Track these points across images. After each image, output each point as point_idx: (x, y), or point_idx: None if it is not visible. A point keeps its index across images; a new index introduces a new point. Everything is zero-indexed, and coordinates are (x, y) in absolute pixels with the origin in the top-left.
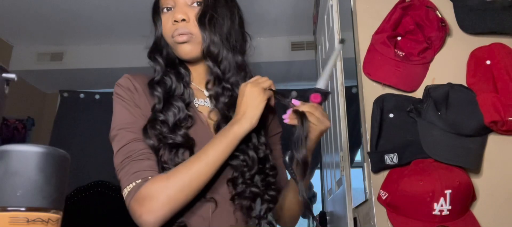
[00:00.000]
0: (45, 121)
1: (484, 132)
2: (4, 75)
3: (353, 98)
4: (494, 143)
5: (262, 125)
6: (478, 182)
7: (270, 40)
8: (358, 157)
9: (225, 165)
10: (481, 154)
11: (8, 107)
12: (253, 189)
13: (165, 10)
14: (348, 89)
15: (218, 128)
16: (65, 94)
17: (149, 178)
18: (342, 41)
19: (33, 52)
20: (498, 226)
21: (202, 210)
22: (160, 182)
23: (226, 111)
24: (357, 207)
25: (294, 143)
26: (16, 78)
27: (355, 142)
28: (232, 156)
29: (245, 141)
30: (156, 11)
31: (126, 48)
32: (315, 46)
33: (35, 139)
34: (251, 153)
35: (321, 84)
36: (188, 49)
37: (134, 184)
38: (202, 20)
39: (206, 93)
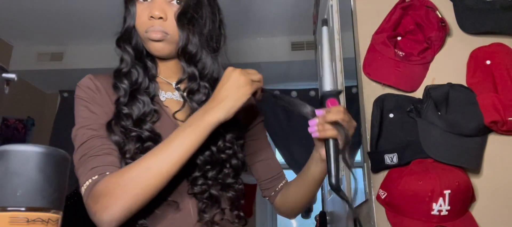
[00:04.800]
0: (45, 121)
1: (484, 132)
2: (4, 75)
3: (353, 98)
4: (494, 143)
5: (233, 121)
6: (477, 182)
7: (270, 40)
8: (358, 157)
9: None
10: (481, 154)
11: (8, 107)
12: (213, 191)
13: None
14: (348, 89)
15: None
16: (65, 94)
17: (107, 173)
18: (324, 22)
19: (33, 52)
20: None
21: (164, 211)
22: (116, 177)
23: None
24: (357, 207)
25: (336, 154)
26: (16, 78)
27: (355, 142)
28: (197, 150)
29: (212, 135)
30: None
31: None
32: (315, 46)
33: (35, 139)
34: (216, 149)
35: (327, 85)
36: (160, 47)
37: (90, 180)
38: (181, 19)
39: (174, 85)
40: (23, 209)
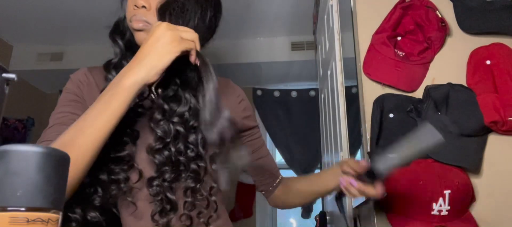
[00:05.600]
0: (45, 121)
1: (484, 132)
2: (4, 75)
3: (353, 98)
4: (494, 143)
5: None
6: (477, 182)
7: (270, 40)
8: (358, 157)
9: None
10: (481, 154)
11: (8, 107)
12: (170, 195)
13: None
14: (348, 89)
15: (150, 119)
16: None
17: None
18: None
19: (33, 52)
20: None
21: (122, 212)
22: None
23: (166, 104)
24: (357, 207)
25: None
26: (16, 78)
27: (355, 142)
28: (157, 149)
29: (174, 136)
30: None
31: None
32: (315, 46)
33: (35, 139)
34: (175, 150)
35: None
36: (142, 37)
37: None
38: (162, 10)
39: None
40: (23, 209)
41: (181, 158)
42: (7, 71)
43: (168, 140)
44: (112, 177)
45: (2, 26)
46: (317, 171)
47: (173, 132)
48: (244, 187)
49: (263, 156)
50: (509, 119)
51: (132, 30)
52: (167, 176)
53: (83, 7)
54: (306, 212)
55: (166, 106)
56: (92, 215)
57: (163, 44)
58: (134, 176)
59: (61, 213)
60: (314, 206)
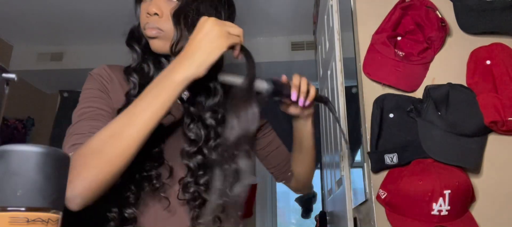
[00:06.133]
0: (45, 121)
1: (484, 132)
2: (4, 75)
3: (353, 98)
4: (494, 143)
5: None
6: (477, 182)
7: (270, 40)
8: (358, 157)
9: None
10: (481, 154)
11: (8, 108)
12: (206, 197)
13: None
14: (348, 89)
15: (187, 125)
16: (65, 94)
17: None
18: None
19: (33, 52)
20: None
21: (154, 207)
22: (81, 148)
23: (200, 109)
24: (357, 207)
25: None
26: (16, 78)
27: (355, 142)
28: (189, 153)
29: (207, 137)
30: None
31: (126, 48)
32: (315, 46)
33: (35, 139)
34: (209, 151)
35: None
36: (157, 45)
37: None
38: (176, 15)
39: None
40: (23, 209)
41: (213, 161)
42: (7, 71)
43: (201, 143)
44: (144, 174)
45: (2, 26)
46: (317, 171)
47: (204, 136)
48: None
49: (277, 147)
50: (509, 118)
51: (146, 37)
52: (202, 180)
53: (83, 7)
54: (306, 212)
55: (196, 105)
56: (129, 211)
57: (211, 39)
58: (165, 173)
59: (61, 213)
60: (314, 206)
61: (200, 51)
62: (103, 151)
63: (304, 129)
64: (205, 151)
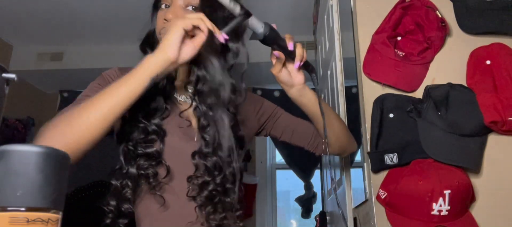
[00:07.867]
0: (45, 121)
1: (484, 132)
2: (4, 75)
3: (353, 98)
4: (494, 143)
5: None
6: (477, 182)
7: None
8: (358, 157)
9: (187, 158)
10: (481, 154)
11: (8, 107)
12: (220, 196)
13: (163, 6)
14: (348, 89)
15: (202, 127)
16: (65, 94)
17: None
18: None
19: (33, 52)
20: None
21: (150, 204)
22: (61, 113)
23: (209, 110)
24: (357, 207)
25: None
26: (16, 78)
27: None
28: (205, 154)
29: (220, 144)
30: (156, 6)
31: (126, 48)
32: (315, 46)
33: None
34: (223, 154)
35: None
36: None
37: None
38: None
39: (190, 90)
40: (23, 209)
41: (223, 162)
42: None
43: (215, 145)
44: (142, 172)
45: (2, 26)
46: (317, 171)
47: (218, 140)
48: (244, 187)
49: (295, 128)
50: (509, 118)
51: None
52: (218, 179)
53: (83, 7)
54: (306, 212)
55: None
56: (126, 206)
57: (170, 27)
58: (162, 172)
59: (61, 213)
60: (314, 206)
61: (164, 39)
62: (75, 119)
63: (304, 98)
64: (220, 153)
